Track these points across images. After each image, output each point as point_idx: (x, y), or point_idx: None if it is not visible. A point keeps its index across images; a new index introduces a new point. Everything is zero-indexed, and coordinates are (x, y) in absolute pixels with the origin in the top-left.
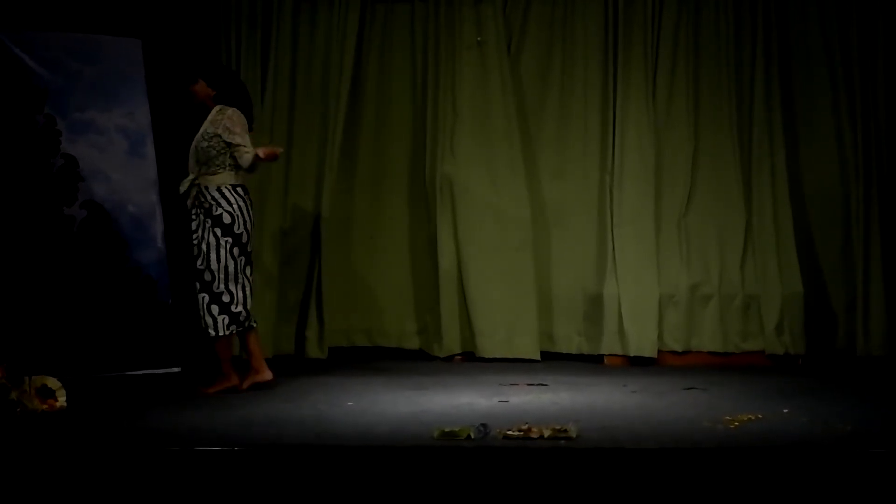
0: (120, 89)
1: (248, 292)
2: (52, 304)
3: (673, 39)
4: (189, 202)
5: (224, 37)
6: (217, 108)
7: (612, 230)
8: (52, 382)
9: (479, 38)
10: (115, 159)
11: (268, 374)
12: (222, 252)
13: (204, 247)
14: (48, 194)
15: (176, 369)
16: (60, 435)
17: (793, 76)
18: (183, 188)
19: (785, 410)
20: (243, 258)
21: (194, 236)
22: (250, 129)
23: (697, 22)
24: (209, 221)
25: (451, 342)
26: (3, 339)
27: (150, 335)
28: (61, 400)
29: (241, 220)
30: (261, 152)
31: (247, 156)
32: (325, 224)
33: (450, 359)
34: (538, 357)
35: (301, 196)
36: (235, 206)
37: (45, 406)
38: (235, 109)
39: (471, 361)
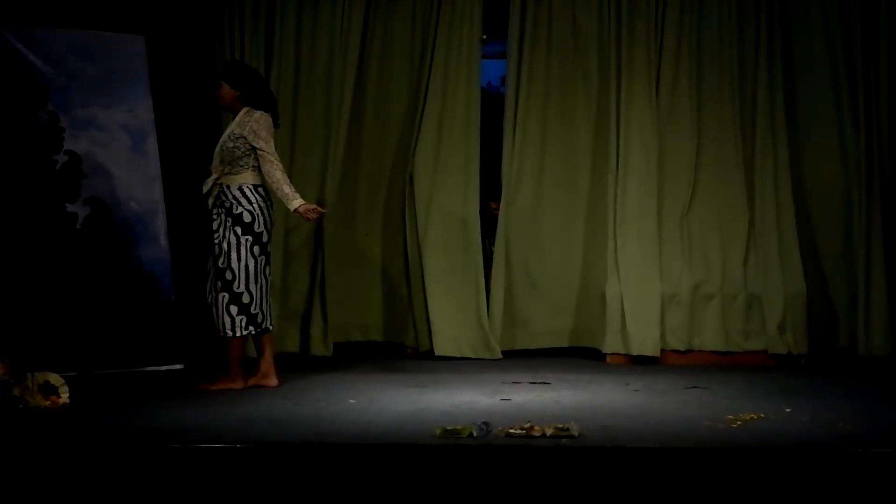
0: (123, 86)
1: (266, 293)
2: (55, 300)
3: (676, 38)
4: (210, 201)
5: (228, 33)
6: (245, 109)
7: (614, 228)
8: (55, 379)
9: (483, 36)
10: (118, 156)
11: (273, 381)
12: (243, 251)
13: (225, 245)
14: (51, 191)
15: (178, 366)
16: (63, 431)
17: (795, 75)
18: (206, 188)
19: (787, 410)
20: (263, 258)
21: (215, 235)
22: (276, 127)
23: (700, 21)
24: (230, 220)
25: (422, 339)
26: (5, 336)
27: (153, 332)
28: (64, 396)
29: (261, 219)
30: (301, 207)
31: (276, 173)
32: (329, 221)
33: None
34: (498, 356)
35: (305, 193)
36: (256, 206)
37: (47, 402)
38: (263, 112)
39: (470, 360)
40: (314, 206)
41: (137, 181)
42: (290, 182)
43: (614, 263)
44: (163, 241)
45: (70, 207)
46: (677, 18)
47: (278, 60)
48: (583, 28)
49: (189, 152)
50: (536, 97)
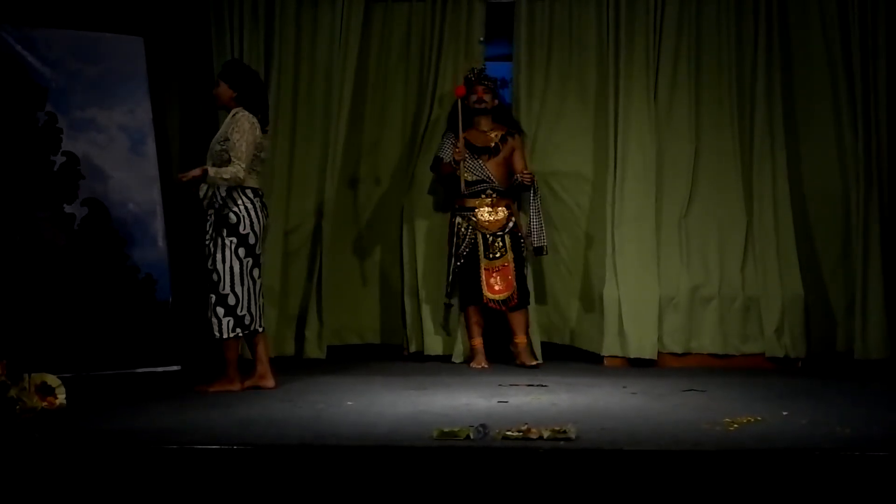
0: (121, 87)
1: (255, 295)
2: (53, 301)
3: (674, 39)
4: (205, 203)
5: (229, 34)
6: (234, 111)
7: (612, 230)
8: (52, 380)
9: (480, 39)
10: (117, 157)
11: (270, 382)
12: (227, 252)
13: (212, 247)
14: (49, 192)
15: (176, 368)
16: (59, 433)
17: (793, 77)
18: (202, 192)
19: (784, 413)
20: (250, 260)
21: (206, 237)
22: (265, 131)
23: (699, 22)
24: (217, 222)
25: (416, 341)
26: (3, 337)
27: (150, 333)
28: (61, 398)
29: (247, 220)
30: (185, 175)
31: (231, 168)
32: (327, 224)
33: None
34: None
35: (303, 196)
36: (242, 208)
37: (44, 403)
38: (248, 115)
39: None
40: (191, 173)
41: (136, 182)
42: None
43: (612, 266)
44: (161, 242)
45: (68, 208)
46: (675, 21)
47: (278, 62)
48: (581, 30)
49: (188, 154)
50: (534, 98)
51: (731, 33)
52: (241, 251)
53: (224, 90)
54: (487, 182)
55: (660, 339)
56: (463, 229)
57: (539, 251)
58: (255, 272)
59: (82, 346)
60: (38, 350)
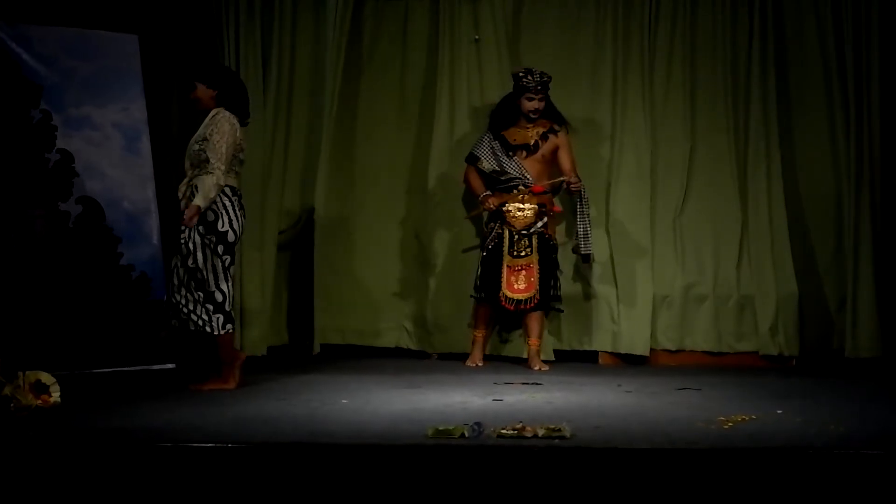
0: (116, 85)
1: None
2: (47, 299)
3: (669, 39)
4: (183, 203)
5: (226, 32)
6: (214, 111)
7: (607, 228)
8: (46, 378)
9: (476, 37)
10: (111, 155)
11: (241, 355)
12: (207, 251)
13: (191, 245)
14: (44, 189)
15: (170, 366)
16: (54, 431)
17: (788, 77)
18: (181, 192)
19: (779, 411)
20: (228, 257)
21: (181, 236)
22: (245, 124)
23: (694, 22)
24: (194, 220)
25: (413, 339)
26: None
27: (145, 331)
28: (55, 395)
29: (225, 217)
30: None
31: (211, 179)
32: (320, 221)
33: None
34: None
35: (297, 193)
36: (220, 205)
37: (38, 401)
38: (228, 116)
39: (464, 361)
40: (190, 214)
41: (130, 180)
42: (211, 190)
43: (608, 264)
44: (155, 240)
45: (62, 206)
46: (670, 21)
47: (276, 60)
48: (576, 31)
49: (182, 153)
50: None
51: (726, 33)
52: (221, 248)
53: (203, 91)
54: (521, 179)
55: (654, 336)
56: (492, 223)
57: (586, 259)
58: (232, 269)
59: (77, 343)
60: (33, 348)
